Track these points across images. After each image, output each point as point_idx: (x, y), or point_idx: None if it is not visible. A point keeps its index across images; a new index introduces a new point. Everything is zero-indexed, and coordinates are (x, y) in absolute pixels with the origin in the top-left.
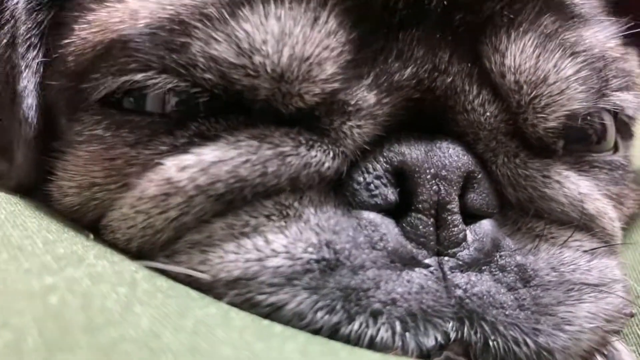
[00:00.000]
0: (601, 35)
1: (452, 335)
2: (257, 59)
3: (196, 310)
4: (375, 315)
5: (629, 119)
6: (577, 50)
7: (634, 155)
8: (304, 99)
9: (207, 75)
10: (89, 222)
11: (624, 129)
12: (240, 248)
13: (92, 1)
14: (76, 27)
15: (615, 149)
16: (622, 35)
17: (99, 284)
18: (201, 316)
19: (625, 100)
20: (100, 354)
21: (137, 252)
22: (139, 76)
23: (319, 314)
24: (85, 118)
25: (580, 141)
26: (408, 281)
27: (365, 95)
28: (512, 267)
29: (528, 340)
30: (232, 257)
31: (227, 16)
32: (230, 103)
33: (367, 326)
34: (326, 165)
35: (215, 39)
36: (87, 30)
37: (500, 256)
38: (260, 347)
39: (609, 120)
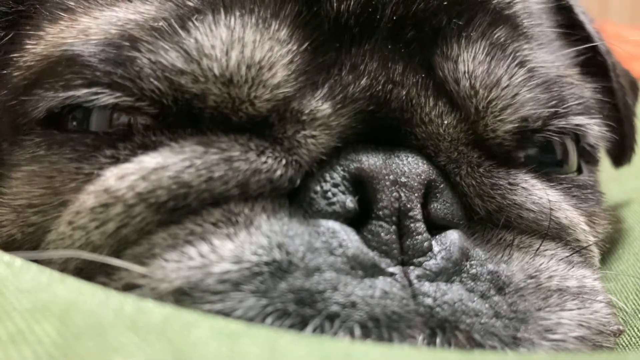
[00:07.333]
0: (552, 56)
1: None
2: (205, 62)
3: None
4: (331, 318)
5: (591, 147)
6: (525, 61)
7: (601, 181)
8: (255, 105)
9: (155, 84)
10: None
11: (588, 155)
12: (182, 256)
13: (48, 20)
14: (28, 42)
15: (579, 171)
16: (578, 65)
17: None
18: None
19: (588, 126)
20: None
21: (75, 274)
22: (82, 92)
23: (269, 320)
24: (26, 142)
25: (543, 162)
26: (370, 286)
27: (320, 105)
28: (485, 276)
29: (508, 351)
30: (174, 266)
31: (177, 28)
32: (179, 117)
33: (323, 330)
34: (278, 172)
35: (164, 49)
36: (38, 46)
37: (471, 265)
38: None
39: (571, 146)
